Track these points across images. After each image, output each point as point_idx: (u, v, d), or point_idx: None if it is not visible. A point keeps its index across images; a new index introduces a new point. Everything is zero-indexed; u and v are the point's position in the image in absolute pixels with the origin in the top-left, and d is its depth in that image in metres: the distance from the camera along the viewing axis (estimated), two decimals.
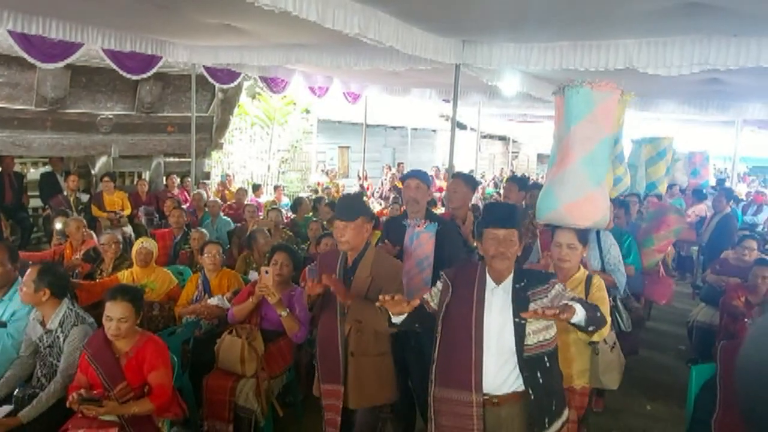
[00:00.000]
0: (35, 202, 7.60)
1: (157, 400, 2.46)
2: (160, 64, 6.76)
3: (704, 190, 9.64)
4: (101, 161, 8.26)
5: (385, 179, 12.50)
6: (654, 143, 6.55)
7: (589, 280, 2.58)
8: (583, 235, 2.67)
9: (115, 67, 6.35)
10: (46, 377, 2.72)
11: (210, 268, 3.85)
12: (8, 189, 6.95)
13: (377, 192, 12.05)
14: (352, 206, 2.56)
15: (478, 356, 1.99)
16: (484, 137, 16.97)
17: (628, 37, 4.72)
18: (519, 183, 4.48)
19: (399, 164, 14.84)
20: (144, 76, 6.85)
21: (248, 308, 3.18)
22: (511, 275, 2.08)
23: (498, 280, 2.08)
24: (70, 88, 7.25)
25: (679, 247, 8.37)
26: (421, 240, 2.99)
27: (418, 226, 3.01)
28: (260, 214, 6.71)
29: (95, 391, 2.41)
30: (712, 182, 11.85)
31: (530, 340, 1.97)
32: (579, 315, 1.82)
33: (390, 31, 4.22)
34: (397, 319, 2.13)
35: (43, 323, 2.76)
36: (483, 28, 4.80)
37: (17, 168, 7.46)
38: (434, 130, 18.48)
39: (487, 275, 2.10)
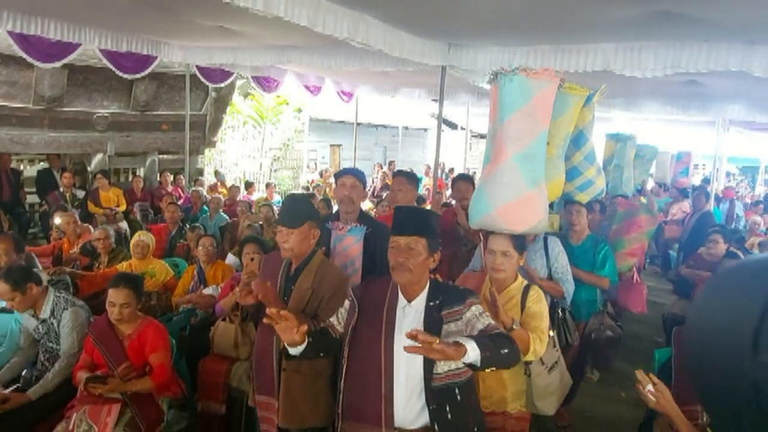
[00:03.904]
0: (32, 199, 7.72)
1: (158, 378, 2.65)
2: (156, 63, 6.90)
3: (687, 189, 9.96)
4: (97, 158, 8.40)
5: (376, 177, 12.69)
6: (616, 140, 6.61)
7: (525, 291, 2.38)
8: (519, 241, 2.41)
9: (111, 66, 6.49)
10: (49, 361, 2.90)
11: (204, 259, 4.04)
12: (5, 185, 7.08)
13: (369, 190, 12.24)
14: (298, 211, 2.31)
15: (389, 387, 1.77)
16: (474, 136, 17.20)
17: (606, 42, 4.94)
18: (471, 181, 3.99)
19: (390, 163, 15.04)
20: (139, 75, 7.00)
21: (234, 299, 3.33)
22: (425, 291, 1.86)
23: (410, 297, 1.86)
24: (67, 87, 7.38)
25: (666, 245, 8.64)
26: (345, 244, 2.72)
27: (341, 229, 2.75)
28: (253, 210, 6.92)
29: (100, 371, 2.60)
30: (697, 182, 12.16)
31: (440, 368, 1.75)
32: (471, 356, 1.55)
33: (378, 35, 4.40)
34: (294, 350, 1.79)
35: (35, 315, 2.92)
36: (468, 31, 5.00)
37: (14, 165, 7.59)
38: (425, 129, 18.71)
39: (399, 291, 1.88)
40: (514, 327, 2.19)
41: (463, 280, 2.59)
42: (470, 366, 1.62)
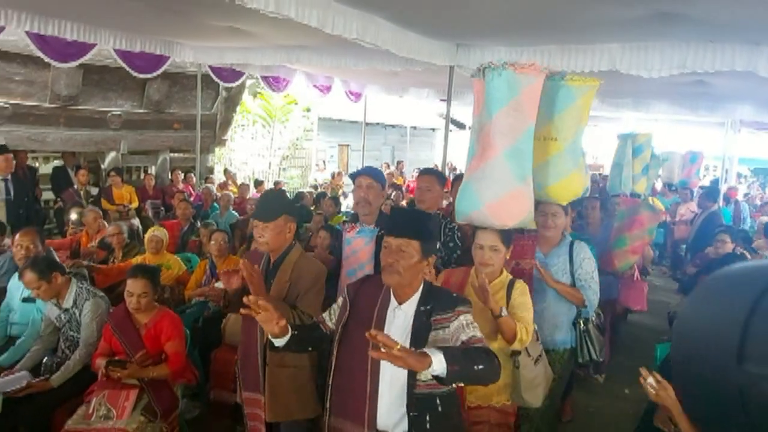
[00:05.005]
0: (47, 195, 7.89)
1: (173, 365, 2.76)
2: (168, 63, 7.04)
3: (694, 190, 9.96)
4: (110, 156, 8.57)
5: None
6: (631, 139, 6.57)
7: (511, 285, 2.40)
8: (506, 235, 2.43)
9: (125, 66, 6.64)
10: (69, 348, 3.02)
11: (216, 254, 4.15)
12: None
13: None
14: (272, 205, 2.35)
15: (373, 387, 1.77)
16: None
17: (612, 42, 5.00)
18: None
19: (399, 163, 15.11)
20: (152, 75, 7.14)
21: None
22: (417, 294, 1.84)
23: (400, 300, 1.84)
24: (83, 86, 7.54)
25: (676, 245, 8.66)
26: (354, 246, 2.67)
27: (349, 231, 2.72)
28: None
29: (118, 357, 2.71)
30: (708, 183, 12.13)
31: (423, 374, 1.64)
32: (436, 369, 1.48)
33: (387, 36, 4.48)
34: (279, 342, 1.79)
35: (58, 304, 3.04)
36: (476, 32, 5.07)
37: (29, 162, 7.75)
38: (433, 129, 18.78)
39: (392, 293, 1.87)
40: (502, 314, 2.23)
41: (447, 275, 2.58)
42: (436, 379, 1.54)
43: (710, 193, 8.05)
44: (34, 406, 2.73)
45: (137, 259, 4.22)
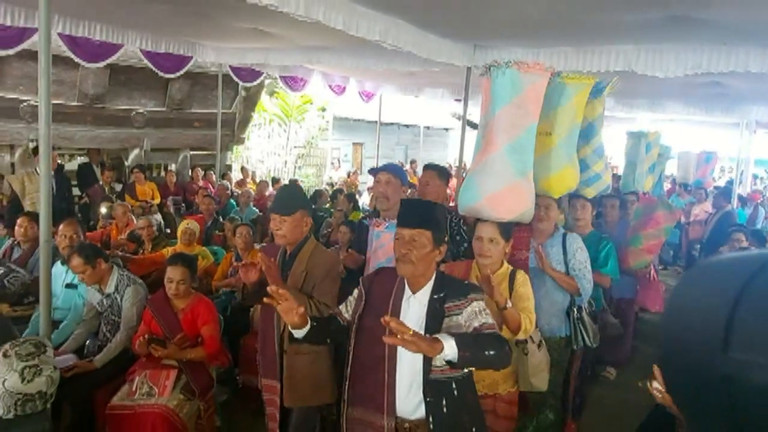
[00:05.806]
0: (73, 191, 8.14)
1: (209, 348, 2.93)
2: (191, 63, 7.24)
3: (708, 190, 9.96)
4: (134, 153, 8.82)
5: None
6: (644, 137, 6.60)
7: (512, 276, 2.45)
8: (505, 228, 2.49)
9: (151, 66, 6.85)
10: (111, 332, 3.20)
11: (242, 246, 4.33)
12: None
13: None
14: (290, 200, 2.46)
15: (392, 375, 1.81)
16: None
17: (627, 44, 5.10)
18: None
19: (412, 162, 15.22)
20: (176, 75, 7.35)
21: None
22: (430, 283, 1.88)
23: (414, 289, 1.89)
24: (109, 86, 7.80)
25: (690, 246, 8.68)
26: (382, 240, 2.73)
27: (377, 225, 2.78)
28: None
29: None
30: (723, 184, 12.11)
31: (438, 360, 1.66)
32: (448, 354, 1.55)
33: (408, 37, 4.63)
34: (298, 333, 1.83)
35: (101, 290, 3.22)
36: (493, 33, 5.20)
37: (57, 159, 8.01)
38: (447, 129, 18.87)
39: (406, 283, 1.91)
40: (507, 306, 2.27)
41: (449, 268, 2.62)
42: (449, 363, 1.60)
43: (725, 193, 8.06)
44: (79, 385, 2.90)
45: (167, 251, 4.41)
